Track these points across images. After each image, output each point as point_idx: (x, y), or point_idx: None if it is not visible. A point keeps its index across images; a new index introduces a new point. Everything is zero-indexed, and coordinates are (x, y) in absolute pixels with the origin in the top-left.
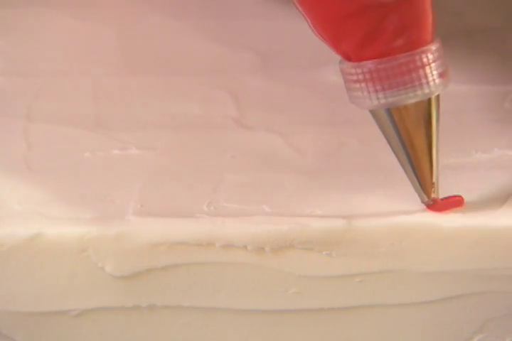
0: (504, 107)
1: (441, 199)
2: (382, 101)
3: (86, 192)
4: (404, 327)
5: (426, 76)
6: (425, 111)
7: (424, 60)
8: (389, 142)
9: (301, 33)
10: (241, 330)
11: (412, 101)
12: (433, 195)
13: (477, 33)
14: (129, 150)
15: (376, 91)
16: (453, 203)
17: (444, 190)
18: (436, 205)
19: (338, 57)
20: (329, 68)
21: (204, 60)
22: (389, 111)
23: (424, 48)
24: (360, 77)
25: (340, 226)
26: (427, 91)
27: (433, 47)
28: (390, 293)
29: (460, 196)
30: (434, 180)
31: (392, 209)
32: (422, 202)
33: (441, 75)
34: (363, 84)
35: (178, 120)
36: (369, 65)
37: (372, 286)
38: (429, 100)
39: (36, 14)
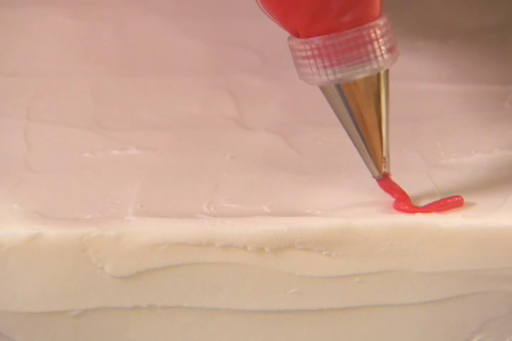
0: (504, 107)
1: (442, 199)
2: (331, 77)
3: (86, 193)
4: (404, 327)
5: (374, 51)
6: (374, 86)
7: (372, 35)
8: (339, 118)
9: None
10: (241, 330)
11: (361, 76)
12: (384, 170)
13: (477, 33)
14: (128, 151)
15: (325, 67)
16: (453, 203)
17: (444, 189)
18: (386, 180)
19: None
20: None
21: (204, 60)
22: (338, 86)
23: (372, 24)
24: (309, 53)
25: (340, 227)
26: (375, 66)
27: (381, 22)
28: (389, 293)
29: (460, 196)
30: (384, 154)
31: (391, 210)
32: (373, 176)
33: (389, 50)
34: (312, 61)
35: (178, 120)
36: (317, 41)
37: (371, 286)
38: (378, 75)
39: (36, 14)
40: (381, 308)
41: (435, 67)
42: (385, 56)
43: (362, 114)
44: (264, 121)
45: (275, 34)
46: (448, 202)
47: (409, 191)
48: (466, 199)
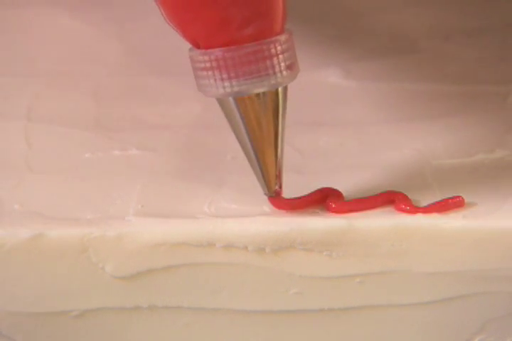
0: (505, 107)
1: (443, 200)
2: (228, 90)
3: (86, 193)
4: (405, 327)
5: (273, 66)
6: (272, 101)
7: (272, 50)
8: (234, 132)
9: (300, 34)
10: (242, 331)
11: (259, 91)
12: (276, 188)
13: (478, 33)
14: (129, 151)
15: (223, 79)
16: (454, 203)
17: (444, 190)
18: (277, 198)
19: (339, 58)
20: (329, 69)
21: None
22: (235, 100)
23: (273, 39)
24: (208, 64)
25: (340, 227)
26: (273, 82)
27: (282, 38)
28: (390, 293)
29: (460, 196)
30: (277, 172)
31: (392, 210)
32: (265, 194)
33: (289, 67)
34: (210, 72)
35: (178, 120)
36: (217, 52)
37: (372, 287)
38: (277, 91)
39: (36, 14)
40: (382, 308)
41: (436, 67)
42: (284, 72)
43: (257, 129)
44: None
45: None
46: (449, 203)
47: (410, 191)
48: (466, 200)
